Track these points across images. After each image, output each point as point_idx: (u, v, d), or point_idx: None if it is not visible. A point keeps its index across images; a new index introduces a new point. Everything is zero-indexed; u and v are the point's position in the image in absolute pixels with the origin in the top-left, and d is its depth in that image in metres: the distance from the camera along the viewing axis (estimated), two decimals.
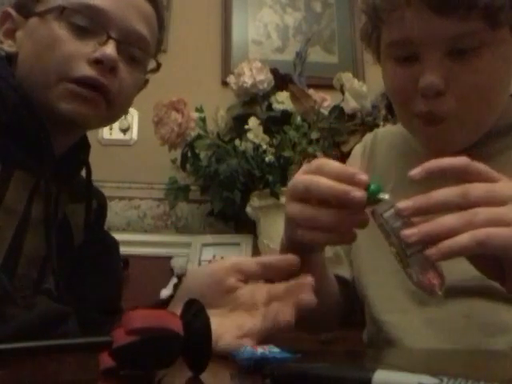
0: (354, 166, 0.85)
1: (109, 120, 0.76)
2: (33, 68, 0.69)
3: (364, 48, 0.76)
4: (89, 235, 0.80)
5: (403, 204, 0.49)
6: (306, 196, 0.54)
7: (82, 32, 0.69)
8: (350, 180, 0.51)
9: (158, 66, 0.79)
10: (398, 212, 0.49)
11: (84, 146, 0.79)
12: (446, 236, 0.47)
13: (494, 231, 0.46)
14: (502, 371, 0.43)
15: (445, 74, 0.64)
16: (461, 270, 0.65)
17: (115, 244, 0.88)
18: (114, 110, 0.73)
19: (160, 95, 1.59)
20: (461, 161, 0.51)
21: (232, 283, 0.55)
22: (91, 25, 0.69)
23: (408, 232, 0.48)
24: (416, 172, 0.50)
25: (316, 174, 0.53)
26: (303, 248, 0.61)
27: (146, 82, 0.82)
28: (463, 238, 0.46)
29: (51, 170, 0.70)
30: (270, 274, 0.57)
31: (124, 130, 1.85)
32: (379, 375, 0.29)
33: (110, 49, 0.68)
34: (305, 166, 0.57)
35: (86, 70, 0.68)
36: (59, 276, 0.73)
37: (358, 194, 0.50)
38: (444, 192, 0.49)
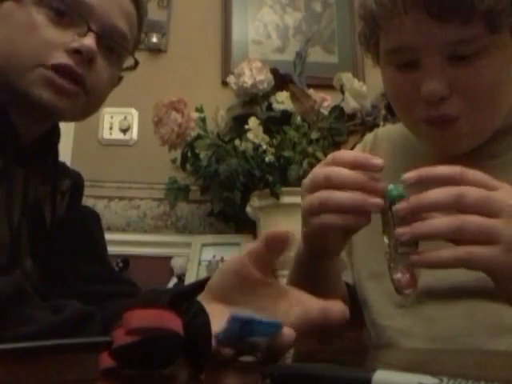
0: None
1: (83, 114, 0.75)
2: (7, 52, 0.67)
3: (363, 53, 0.76)
4: (65, 215, 0.80)
5: (400, 205, 0.51)
6: (327, 186, 0.55)
7: (61, 21, 0.68)
8: (365, 165, 0.53)
9: (136, 63, 0.79)
10: (396, 212, 0.50)
11: (54, 132, 0.78)
12: (436, 238, 0.49)
13: (477, 252, 0.48)
14: (502, 371, 0.43)
15: (447, 79, 0.63)
16: (464, 271, 0.66)
17: (94, 216, 0.87)
18: (90, 104, 0.73)
19: (160, 95, 1.59)
20: (454, 169, 0.51)
21: (255, 278, 0.51)
22: (72, 15, 0.68)
23: (401, 230, 0.50)
24: (409, 176, 0.51)
25: (332, 164, 0.56)
26: (320, 252, 0.62)
27: (120, 78, 0.81)
28: (445, 255, 0.49)
29: (18, 155, 0.69)
30: (271, 248, 0.52)
31: (124, 130, 1.85)
32: (379, 375, 0.29)
33: (89, 40, 0.68)
34: (318, 165, 0.58)
35: (62, 58, 0.67)
36: (38, 259, 0.72)
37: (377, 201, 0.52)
38: (439, 192, 0.49)
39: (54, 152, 0.79)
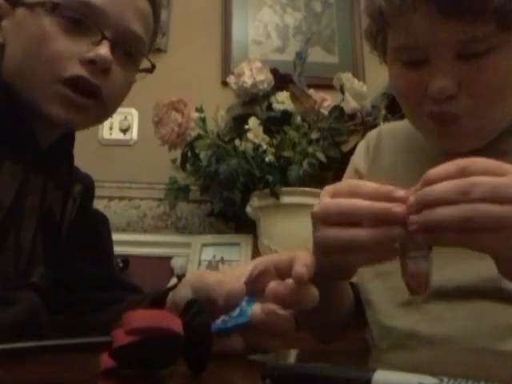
0: (358, 162, 0.84)
1: (99, 121, 0.75)
2: (21, 65, 0.66)
3: (370, 49, 0.75)
4: (76, 219, 0.80)
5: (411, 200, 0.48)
6: (341, 220, 0.51)
7: (74, 30, 0.66)
8: (388, 198, 0.49)
9: (153, 67, 0.76)
10: (408, 208, 0.48)
11: (68, 136, 0.77)
12: (444, 228, 0.47)
13: (481, 237, 0.46)
14: (502, 371, 0.43)
15: (456, 77, 0.62)
16: (472, 271, 0.64)
17: (104, 220, 0.87)
18: (105, 111, 0.72)
19: (160, 95, 1.59)
20: (457, 165, 0.48)
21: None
22: (85, 23, 0.66)
23: (413, 219, 0.48)
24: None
25: (349, 195, 0.51)
26: (339, 276, 0.62)
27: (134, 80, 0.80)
28: (452, 237, 0.47)
29: (37, 162, 0.69)
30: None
31: (124, 130, 1.85)
32: (379, 375, 0.29)
33: (104, 50, 0.66)
34: (330, 188, 0.54)
35: (77, 69, 0.65)
36: (50, 266, 0.73)
37: (399, 209, 0.48)
38: (444, 187, 0.47)
39: (70, 158, 0.79)
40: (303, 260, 0.50)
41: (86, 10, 0.66)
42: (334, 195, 0.52)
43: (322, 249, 0.54)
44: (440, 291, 0.67)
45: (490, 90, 0.63)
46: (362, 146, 0.87)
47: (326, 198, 0.53)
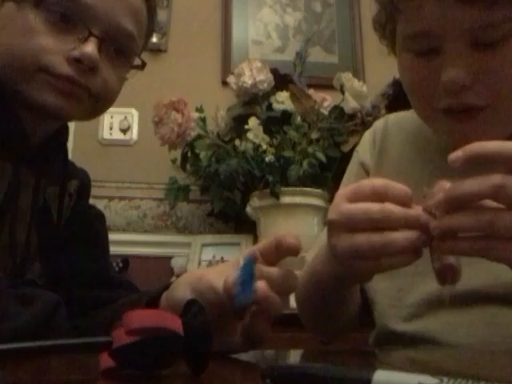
0: (364, 155, 0.81)
1: (93, 115, 0.73)
2: (8, 59, 0.65)
3: (379, 39, 0.71)
4: (71, 215, 0.79)
5: (437, 199, 0.46)
6: (368, 226, 0.48)
7: (61, 26, 0.64)
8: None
9: (143, 64, 0.74)
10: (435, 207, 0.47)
11: (62, 130, 0.76)
12: (464, 233, 0.45)
13: (498, 247, 0.44)
14: (502, 371, 0.43)
15: (470, 66, 0.59)
16: (484, 274, 0.62)
17: (100, 217, 0.86)
18: (98, 106, 0.71)
19: (160, 95, 1.59)
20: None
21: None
22: (72, 19, 0.64)
23: (433, 224, 0.46)
24: (456, 157, 0.44)
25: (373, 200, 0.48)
26: (354, 281, 0.60)
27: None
28: (463, 244, 0.45)
29: (29, 158, 0.68)
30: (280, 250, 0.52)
31: (124, 130, 1.85)
32: (379, 375, 0.29)
33: (90, 48, 0.64)
34: (346, 192, 0.51)
35: (63, 68, 0.64)
36: (45, 263, 0.72)
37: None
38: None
39: (64, 152, 0.78)
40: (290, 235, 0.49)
41: (72, 6, 0.64)
42: (354, 199, 0.49)
43: (348, 255, 0.50)
44: (451, 294, 0.65)
45: (507, 81, 0.60)
46: (367, 138, 0.83)
47: (345, 204, 0.49)
